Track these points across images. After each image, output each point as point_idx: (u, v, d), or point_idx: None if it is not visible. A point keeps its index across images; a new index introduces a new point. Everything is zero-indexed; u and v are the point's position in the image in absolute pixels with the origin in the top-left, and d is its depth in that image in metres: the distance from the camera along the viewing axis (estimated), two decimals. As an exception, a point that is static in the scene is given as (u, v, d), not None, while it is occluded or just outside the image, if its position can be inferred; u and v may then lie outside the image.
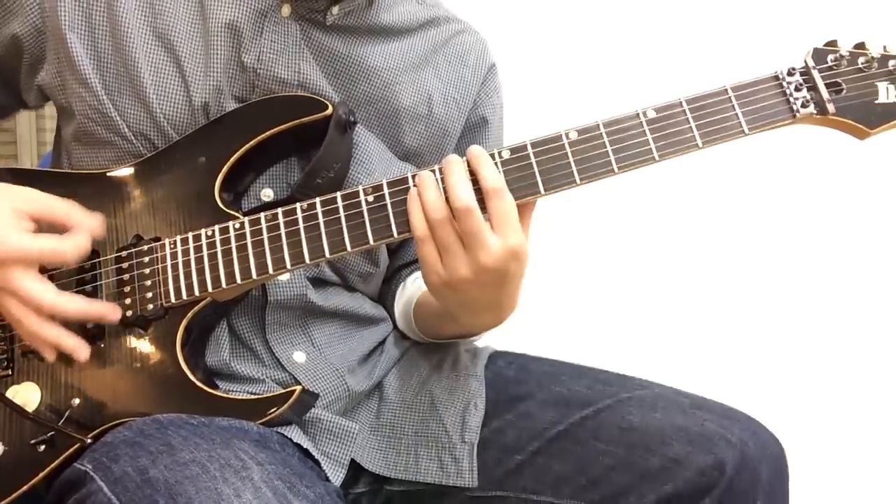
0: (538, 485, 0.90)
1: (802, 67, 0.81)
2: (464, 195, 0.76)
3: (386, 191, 0.83)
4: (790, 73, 0.81)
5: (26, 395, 0.85)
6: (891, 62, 0.81)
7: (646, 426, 0.88)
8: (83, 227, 0.83)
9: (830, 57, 0.81)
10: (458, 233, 0.77)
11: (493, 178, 0.78)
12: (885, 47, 0.82)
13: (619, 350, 1.68)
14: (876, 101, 0.80)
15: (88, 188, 0.91)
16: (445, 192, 0.77)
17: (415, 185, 0.80)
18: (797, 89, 0.80)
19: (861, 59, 0.81)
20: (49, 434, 0.83)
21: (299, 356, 0.92)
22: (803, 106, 0.80)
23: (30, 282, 0.79)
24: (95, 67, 0.90)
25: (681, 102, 0.81)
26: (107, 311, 0.84)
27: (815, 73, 0.80)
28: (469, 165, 0.79)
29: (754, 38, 1.62)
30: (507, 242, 0.76)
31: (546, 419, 0.92)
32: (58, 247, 0.80)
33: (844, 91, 0.80)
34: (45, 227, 0.82)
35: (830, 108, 0.79)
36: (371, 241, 0.82)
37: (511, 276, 0.79)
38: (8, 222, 0.80)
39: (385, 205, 0.82)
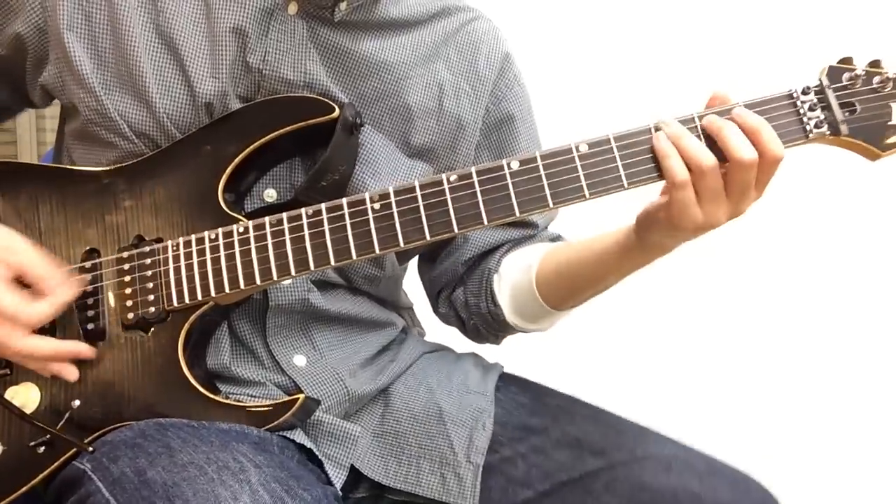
0: None
1: (817, 86, 0.80)
2: (750, 149, 0.76)
3: (392, 199, 0.82)
4: (805, 93, 0.79)
5: (25, 395, 0.84)
6: (906, 83, 0.80)
7: (659, 488, 0.88)
8: (54, 299, 0.81)
9: (846, 76, 0.80)
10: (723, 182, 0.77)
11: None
12: (901, 66, 0.82)
13: (627, 367, 1.68)
14: (889, 123, 0.79)
15: (90, 185, 0.90)
16: (723, 144, 0.77)
17: (657, 132, 0.79)
18: (811, 109, 0.79)
19: (876, 79, 0.80)
20: (48, 436, 0.82)
21: (300, 359, 0.92)
22: (816, 126, 0.79)
23: None
24: (95, 67, 0.89)
25: (693, 118, 0.80)
26: (78, 349, 0.83)
27: (830, 93, 0.79)
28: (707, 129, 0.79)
29: (768, 49, 1.60)
30: (758, 196, 0.79)
31: (559, 461, 0.91)
32: (19, 307, 0.78)
33: (858, 111, 0.79)
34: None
35: (843, 129, 0.79)
36: (377, 251, 0.82)
37: None
38: None
39: (391, 213, 0.82)
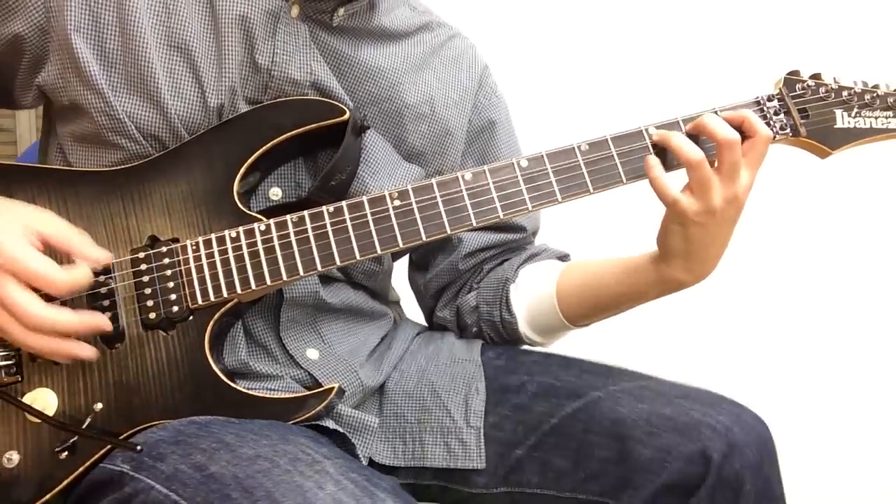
0: (541, 480, 0.94)
1: (778, 94, 0.93)
2: (730, 130, 0.85)
3: (412, 197, 0.87)
4: (770, 99, 0.92)
5: (44, 400, 0.82)
6: (844, 93, 0.94)
7: (635, 417, 0.91)
8: (87, 263, 0.79)
9: (798, 85, 0.93)
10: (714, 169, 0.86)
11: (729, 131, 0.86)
12: (834, 78, 0.95)
13: (611, 342, 1.74)
14: (835, 126, 0.93)
15: (95, 187, 0.88)
16: (707, 131, 0.86)
17: (652, 143, 0.88)
18: (776, 114, 0.92)
19: (822, 89, 0.94)
20: (72, 440, 0.81)
21: (312, 353, 0.94)
22: (781, 129, 0.91)
23: (15, 292, 0.75)
24: (103, 69, 0.88)
25: (679, 122, 0.90)
26: (98, 322, 0.81)
27: (789, 100, 0.92)
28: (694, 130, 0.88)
29: (732, 61, 1.74)
30: (752, 178, 0.87)
31: (539, 412, 0.95)
32: (52, 272, 0.76)
33: (811, 116, 0.93)
34: (53, 253, 0.79)
35: (803, 130, 0.92)
36: (400, 244, 0.86)
37: (736, 215, 0.89)
38: (14, 231, 0.77)
39: (412, 209, 0.87)
